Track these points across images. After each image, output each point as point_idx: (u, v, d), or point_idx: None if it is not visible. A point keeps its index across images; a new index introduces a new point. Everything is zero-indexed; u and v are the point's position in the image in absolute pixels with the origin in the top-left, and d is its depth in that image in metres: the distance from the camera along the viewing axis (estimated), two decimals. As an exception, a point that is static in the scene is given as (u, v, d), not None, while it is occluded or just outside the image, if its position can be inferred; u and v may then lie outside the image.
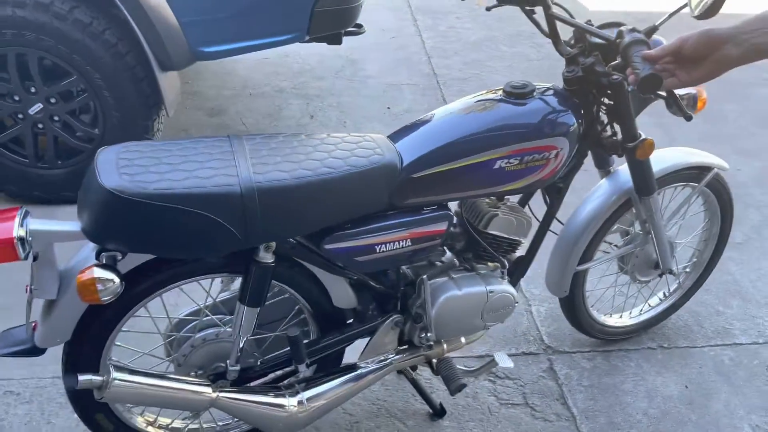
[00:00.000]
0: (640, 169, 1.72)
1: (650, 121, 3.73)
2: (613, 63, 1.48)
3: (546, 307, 2.30)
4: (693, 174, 1.89)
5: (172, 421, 1.65)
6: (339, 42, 2.96)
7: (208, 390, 1.39)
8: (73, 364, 1.41)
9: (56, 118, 2.56)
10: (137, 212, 1.20)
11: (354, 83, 4.10)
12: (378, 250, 1.48)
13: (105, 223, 1.22)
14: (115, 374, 1.28)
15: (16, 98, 2.51)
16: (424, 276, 1.57)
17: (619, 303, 2.16)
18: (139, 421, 1.58)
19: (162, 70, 2.54)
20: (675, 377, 2.05)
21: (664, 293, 2.20)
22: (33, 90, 2.50)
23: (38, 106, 2.53)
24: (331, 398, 1.56)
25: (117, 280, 1.22)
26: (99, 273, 1.20)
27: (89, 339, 1.40)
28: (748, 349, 2.17)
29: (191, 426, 1.67)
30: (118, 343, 1.49)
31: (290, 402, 1.49)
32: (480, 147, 1.47)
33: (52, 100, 2.53)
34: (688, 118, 1.42)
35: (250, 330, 1.47)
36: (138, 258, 1.35)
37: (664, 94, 1.46)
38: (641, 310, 2.18)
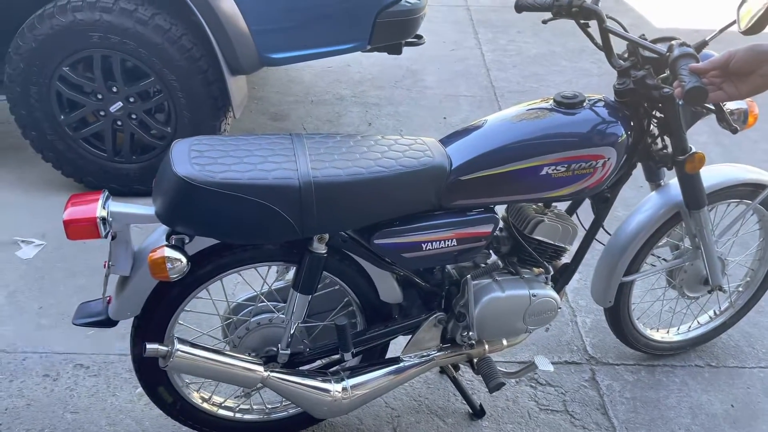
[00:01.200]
0: (689, 182, 1.73)
1: (710, 140, 3.69)
2: (662, 75, 1.51)
3: (592, 318, 2.31)
4: (747, 191, 1.88)
5: (225, 400, 1.76)
6: (399, 52, 3.06)
7: (260, 369, 1.50)
8: (140, 336, 1.54)
9: (134, 116, 2.76)
10: (205, 199, 1.32)
11: (412, 93, 4.20)
12: (424, 248, 1.55)
13: (175, 208, 1.34)
14: (178, 345, 1.40)
15: (99, 96, 2.72)
16: (468, 276, 1.63)
17: (667, 318, 2.15)
18: (195, 397, 1.70)
19: (231, 74, 2.71)
20: (721, 396, 2.03)
21: (715, 311, 2.18)
22: (115, 89, 2.71)
23: (118, 105, 2.73)
24: (373, 388, 1.63)
25: (184, 260, 1.34)
26: (169, 252, 1.32)
27: (156, 315, 1.52)
28: (800, 373, 2.12)
29: (242, 406, 1.78)
30: (181, 322, 1.62)
31: (335, 387, 1.58)
32: (528, 153, 1.53)
33: (131, 100, 2.73)
34: (734, 131, 1.43)
35: (301, 316, 1.56)
36: (203, 242, 1.46)
37: (712, 107, 1.48)
38: (690, 327, 2.16)
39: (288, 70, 4.48)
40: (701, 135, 3.64)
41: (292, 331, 1.58)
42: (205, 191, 1.31)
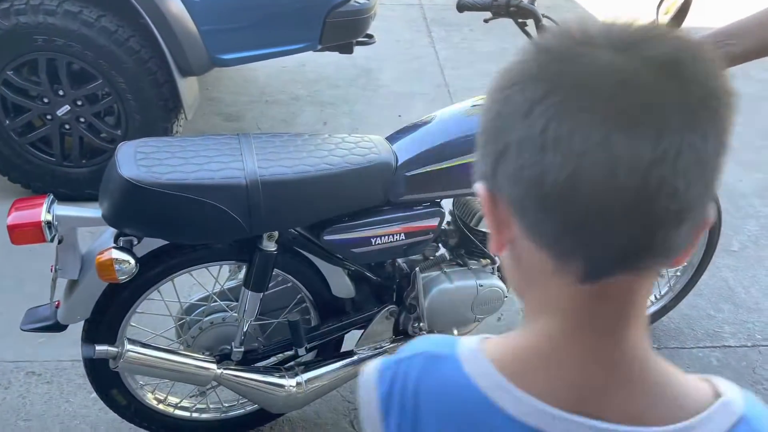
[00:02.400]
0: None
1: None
2: None
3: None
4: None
5: (181, 400, 1.77)
6: (350, 51, 3.09)
7: (212, 366, 1.51)
8: (91, 339, 1.54)
9: (82, 119, 2.72)
10: (151, 200, 1.33)
11: (367, 92, 4.23)
12: (374, 243, 1.59)
13: (122, 210, 1.35)
14: (129, 346, 1.41)
15: (46, 100, 2.67)
16: (417, 269, 1.68)
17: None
18: (150, 398, 1.71)
19: (182, 75, 2.69)
20: (663, 376, 2.13)
21: (655, 296, 2.28)
22: (61, 93, 2.67)
23: (66, 108, 2.69)
24: (327, 381, 1.67)
25: (132, 261, 1.35)
26: (116, 254, 1.33)
27: (106, 317, 1.52)
28: (736, 352, 2.23)
29: (199, 405, 1.79)
30: (133, 324, 1.62)
31: (289, 382, 1.61)
32: (471, 148, 1.58)
33: (79, 103, 2.69)
34: None
35: (254, 314, 1.59)
36: (152, 243, 1.47)
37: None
38: (633, 311, 2.25)
39: (242, 70, 4.46)
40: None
41: (245, 329, 1.60)
42: (152, 192, 1.32)
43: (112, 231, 1.45)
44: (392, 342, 1.79)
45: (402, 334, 1.80)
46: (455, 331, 1.85)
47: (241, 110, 3.90)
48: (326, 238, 1.55)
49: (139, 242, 1.41)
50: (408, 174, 1.57)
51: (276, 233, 1.50)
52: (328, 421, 1.94)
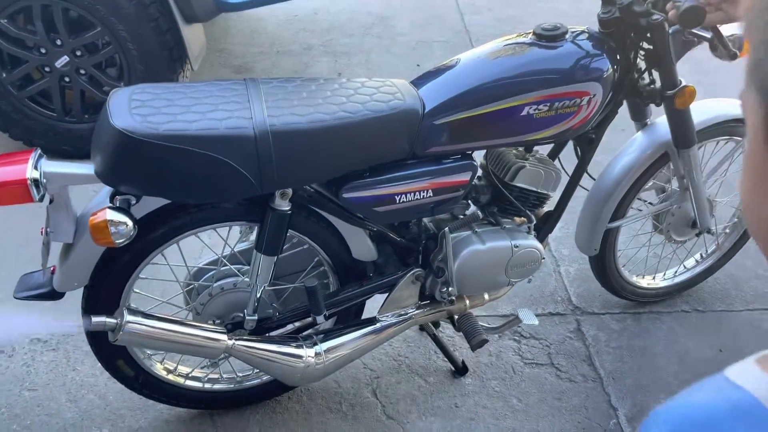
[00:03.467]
0: (679, 119, 1.62)
1: (691, 79, 3.57)
2: (651, 0, 1.37)
3: (575, 267, 2.23)
4: (737, 127, 1.78)
5: (192, 370, 1.66)
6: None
7: (223, 337, 1.38)
8: (91, 308, 1.41)
9: (82, 71, 2.55)
10: (148, 154, 1.17)
11: (383, 40, 4.00)
12: (398, 201, 1.43)
13: (116, 165, 1.19)
14: (128, 317, 1.28)
15: (43, 51, 2.50)
16: (446, 229, 1.52)
17: (652, 264, 2.07)
18: (159, 369, 1.59)
19: (186, 22, 2.51)
20: (709, 341, 1.98)
21: (701, 255, 2.11)
22: (59, 43, 2.49)
23: (64, 59, 2.51)
24: (348, 351, 1.53)
25: (130, 223, 1.20)
26: (111, 215, 1.18)
27: (107, 284, 1.39)
28: (788, 314, 2.07)
29: (211, 375, 1.67)
30: (137, 290, 1.49)
31: (307, 353, 1.47)
32: (507, 92, 1.40)
33: (78, 53, 2.51)
34: (733, 57, 1.32)
35: (267, 279, 1.44)
36: (153, 202, 1.33)
37: (707, 35, 1.35)
38: (676, 272, 2.09)
39: (251, 20, 4.24)
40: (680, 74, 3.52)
41: (258, 296, 1.46)
42: (148, 145, 1.17)
43: (108, 189, 1.30)
44: (418, 308, 1.64)
45: (428, 299, 1.65)
46: (486, 296, 1.70)
47: (251, 62, 3.70)
48: (345, 195, 1.39)
49: (137, 201, 1.26)
50: (436, 122, 1.39)
51: (290, 191, 1.34)
52: (349, 390, 1.82)
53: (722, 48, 1.33)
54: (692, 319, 2.05)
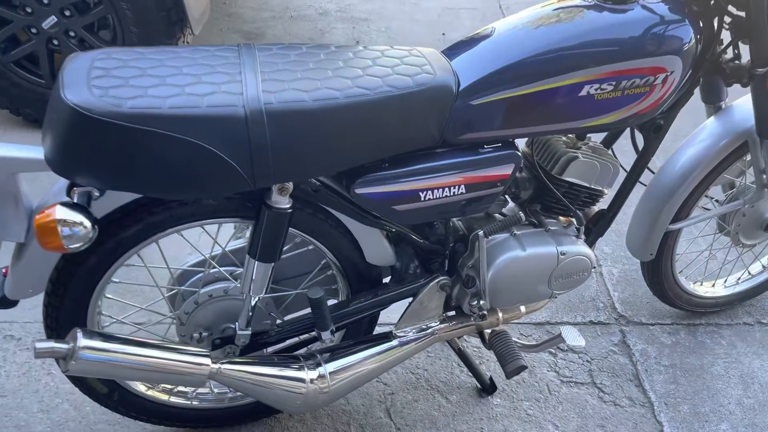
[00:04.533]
0: (767, 103, 1.33)
1: None
2: None
3: (620, 269, 1.96)
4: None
5: (177, 386, 1.43)
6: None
7: (205, 362, 1.13)
8: (54, 319, 1.18)
9: (72, 33, 2.30)
10: (108, 137, 0.92)
11: (406, 6, 3.69)
12: (423, 198, 1.17)
13: (68, 151, 0.94)
14: (83, 341, 1.03)
15: (29, 10, 2.25)
16: (480, 231, 1.25)
17: (712, 269, 1.80)
18: (138, 384, 1.36)
19: (186, -20, 2.23)
20: (777, 361, 1.71)
21: (763, 265, 1.82)
22: (46, 1, 2.23)
23: (52, 19, 2.26)
24: (359, 373, 1.29)
25: (87, 223, 0.95)
26: (62, 214, 0.94)
27: (70, 291, 1.15)
28: None
29: (200, 391, 1.44)
30: (110, 296, 1.25)
31: (310, 376, 1.23)
32: (563, 67, 1.12)
33: (67, 13, 2.26)
34: None
35: (263, 289, 1.20)
36: (123, 195, 1.08)
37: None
38: (739, 279, 1.81)
39: (264, -19, 3.94)
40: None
41: (252, 307, 1.22)
42: (108, 126, 0.91)
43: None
44: (442, 322, 1.39)
45: (455, 311, 1.40)
46: (522, 309, 1.44)
47: (262, 27, 3.42)
48: (358, 191, 1.13)
49: (101, 194, 1.01)
50: (473, 103, 1.12)
51: (290, 185, 1.09)
52: (359, 408, 1.58)
53: None
54: (756, 333, 1.78)
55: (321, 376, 1.24)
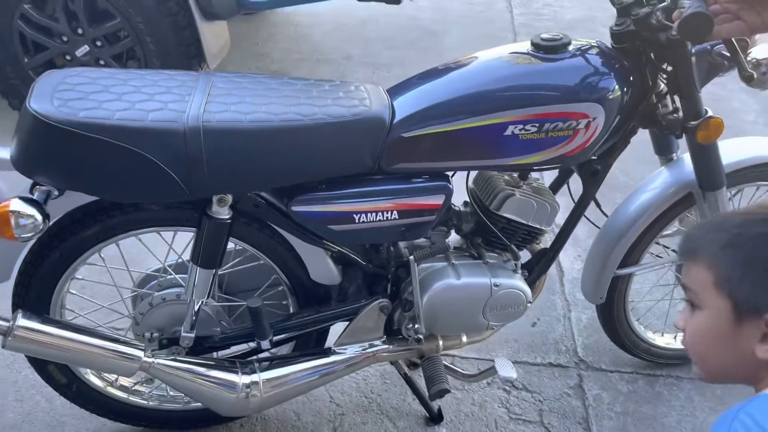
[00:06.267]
0: (703, 156, 1.38)
1: (759, 119, 3.23)
2: (662, 5, 1.14)
3: (588, 315, 1.98)
4: (784, 172, 1.51)
5: (135, 384, 1.52)
6: (398, 1, 2.72)
7: (138, 354, 1.24)
8: (20, 307, 1.30)
9: (102, 61, 2.53)
10: (62, 142, 1.06)
11: (428, 55, 3.84)
12: (357, 220, 1.26)
13: (28, 152, 1.08)
14: (21, 321, 1.15)
15: (65, 39, 2.49)
16: (411, 257, 1.33)
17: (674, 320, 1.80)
18: (94, 378, 1.46)
19: (205, 19, 2.44)
20: (733, 419, 1.68)
21: (735, 316, 1.81)
22: (80, 32, 2.48)
23: (85, 48, 2.50)
24: (293, 384, 1.36)
25: (39, 217, 1.08)
26: (17, 206, 1.07)
27: (35, 283, 1.28)
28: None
29: (156, 392, 1.54)
30: (73, 292, 1.38)
31: (243, 380, 1.31)
32: (489, 107, 1.21)
33: (98, 43, 2.49)
34: (749, 79, 1.08)
35: (205, 294, 1.30)
36: (83, 196, 1.21)
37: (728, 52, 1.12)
38: (702, 333, 1.80)
39: (299, 26, 4.18)
40: (749, 113, 3.19)
41: (195, 311, 1.31)
42: (62, 132, 1.05)
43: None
44: (383, 343, 1.46)
45: (397, 334, 1.46)
46: (464, 338, 1.49)
47: (288, 67, 3.62)
48: (294, 208, 1.24)
49: (60, 194, 1.15)
50: (405, 135, 1.21)
51: (229, 197, 1.20)
52: (308, 425, 1.64)
53: (736, 65, 1.09)
54: (717, 391, 1.76)
55: (254, 383, 1.32)
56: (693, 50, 1.22)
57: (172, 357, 1.28)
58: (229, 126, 1.10)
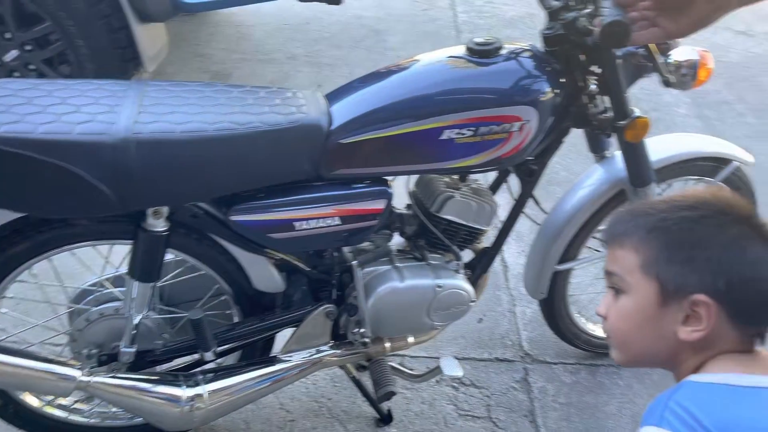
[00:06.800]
0: (632, 154, 1.43)
1: (690, 112, 3.37)
2: (586, 11, 1.18)
3: (533, 309, 2.03)
4: (708, 167, 1.58)
5: (74, 403, 1.48)
6: (338, 2, 2.71)
7: (75, 373, 1.20)
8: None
9: (32, 66, 2.43)
10: (-17, 158, 1.01)
11: (372, 54, 3.85)
12: (297, 228, 1.26)
13: (-55, 168, 1.03)
14: None
15: (-9, 43, 2.39)
16: (355, 262, 1.33)
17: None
18: (28, 398, 1.41)
19: (140, 20, 2.37)
20: (670, 403, 1.75)
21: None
22: (8, 36, 2.37)
23: (14, 53, 2.40)
24: (239, 394, 1.35)
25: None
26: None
27: (-39, 302, 1.23)
28: None
29: (99, 409, 1.49)
30: (4, 311, 1.33)
31: (187, 393, 1.29)
32: (425, 112, 1.22)
33: (28, 47, 2.40)
34: (666, 83, 1.13)
35: (144, 307, 1.27)
36: (11, 213, 1.16)
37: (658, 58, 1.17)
38: (640, 322, 1.87)
39: (241, 26, 4.12)
40: (680, 106, 3.32)
41: (134, 326, 1.28)
42: (-17, 148, 1.01)
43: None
44: (331, 348, 1.46)
45: (343, 339, 1.47)
46: (410, 339, 1.51)
47: (230, 68, 3.57)
48: (234, 218, 1.22)
49: (-17, 211, 1.10)
50: (343, 142, 1.22)
51: (165, 209, 1.18)
52: (258, 433, 1.63)
53: (655, 70, 1.14)
54: (654, 377, 1.83)
55: (198, 395, 1.30)
56: (619, 53, 1.27)
57: (112, 374, 1.25)
58: (162, 137, 1.08)
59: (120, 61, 2.41)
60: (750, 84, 3.59)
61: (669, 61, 1.24)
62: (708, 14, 0.86)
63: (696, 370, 0.80)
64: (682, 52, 1.24)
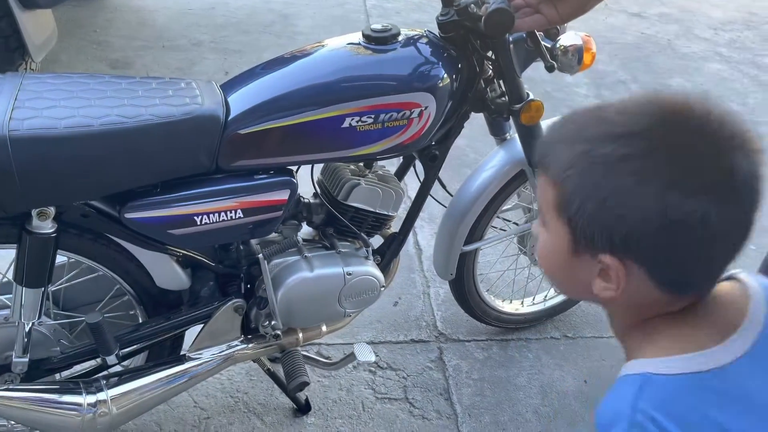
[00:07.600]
0: (528, 135, 1.48)
1: (590, 93, 3.53)
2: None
3: (446, 290, 2.07)
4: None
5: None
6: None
7: (-41, 389, 1.13)
8: None
9: None
10: None
11: (281, 40, 3.78)
12: (199, 222, 1.22)
13: None
14: None
15: None
16: (260, 255, 1.31)
17: (521, 288, 1.94)
18: None
19: (24, 7, 2.22)
20: (575, 371, 1.85)
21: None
22: None
23: None
24: (146, 396, 1.30)
25: None
26: None
27: None
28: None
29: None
30: None
31: (88, 400, 1.24)
32: (326, 100, 1.21)
33: None
34: (550, 69, 1.18)
35: (35, 315, 1.20)
36: None
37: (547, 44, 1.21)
38: (546, 296, 1.96)
39: (140, 11, 3.94)
40: (580, 86, 3.47)
41: (26, 333, 1.21)
42: None
43: None
44: (242, 342, 1.43)
45: (253, 332, 1.45)
46: (324, 328, 1.51)
47: (132, 56, 3.41)
48: (129, 216, 1.17)
49: None
50: (242, 132, 1.19)
51: (51, 209, 1.11)
52: (172, 434, 1.59)
53: (540, 56, 1.18)
54: (561, 347, 1.93)
55: (101, 401, 1.25)
56: (510, 39, 1.30)
57: (5, 387, 1.18)
58: (41, 134, 1.02)
59: (3, 51, 2.25)
60: (643, 64, 3.80)
61: (557, 45, 1.29)
62: (586, 1, 0.90)
63: (635, 334, 0.70)
64: (570, 37, 1.30)
